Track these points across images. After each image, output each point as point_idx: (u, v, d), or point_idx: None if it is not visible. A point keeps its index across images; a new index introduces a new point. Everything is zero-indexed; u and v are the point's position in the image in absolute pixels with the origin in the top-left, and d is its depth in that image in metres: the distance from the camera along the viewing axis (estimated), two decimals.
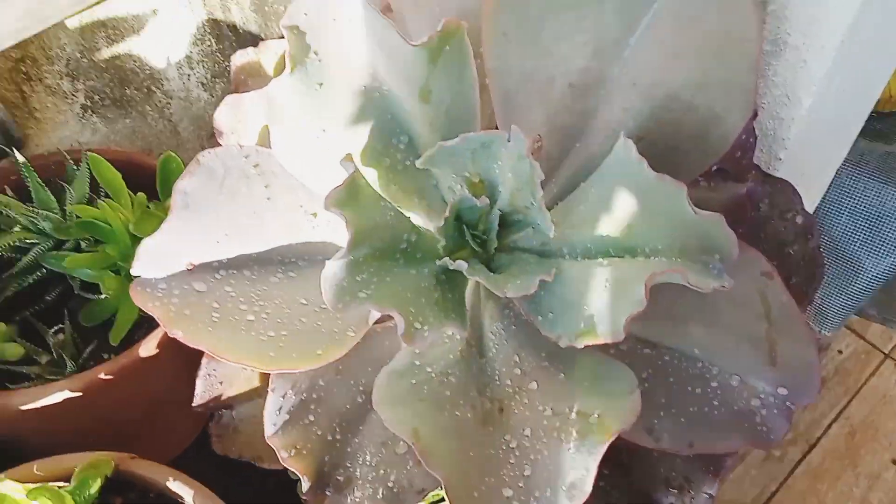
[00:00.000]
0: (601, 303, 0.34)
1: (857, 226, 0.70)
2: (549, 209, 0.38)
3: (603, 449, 0.31)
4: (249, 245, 0.39)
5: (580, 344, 0.34)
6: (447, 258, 0.38)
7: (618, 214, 0.36)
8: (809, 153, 0.45)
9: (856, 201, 0.70)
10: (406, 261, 0.39)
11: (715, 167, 0.44)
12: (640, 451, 0.39)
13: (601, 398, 0.33)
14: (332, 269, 0.33)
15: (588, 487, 0.29)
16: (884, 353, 1.34)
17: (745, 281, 0.34)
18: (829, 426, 1.26)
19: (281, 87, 0.35)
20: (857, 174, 0.70)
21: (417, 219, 0.43)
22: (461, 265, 0.37)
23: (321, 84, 0.37)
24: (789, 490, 1.22)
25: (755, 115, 0.37)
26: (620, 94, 0.40)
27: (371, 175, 0.41)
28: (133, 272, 0.35)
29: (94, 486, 0.34)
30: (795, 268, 0.42)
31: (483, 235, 0.42)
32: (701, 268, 0.32)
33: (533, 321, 0.39)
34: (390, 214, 0.38)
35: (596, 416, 0.32)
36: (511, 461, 0.33)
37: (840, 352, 1.32)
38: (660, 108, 0.38)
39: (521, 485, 0.32)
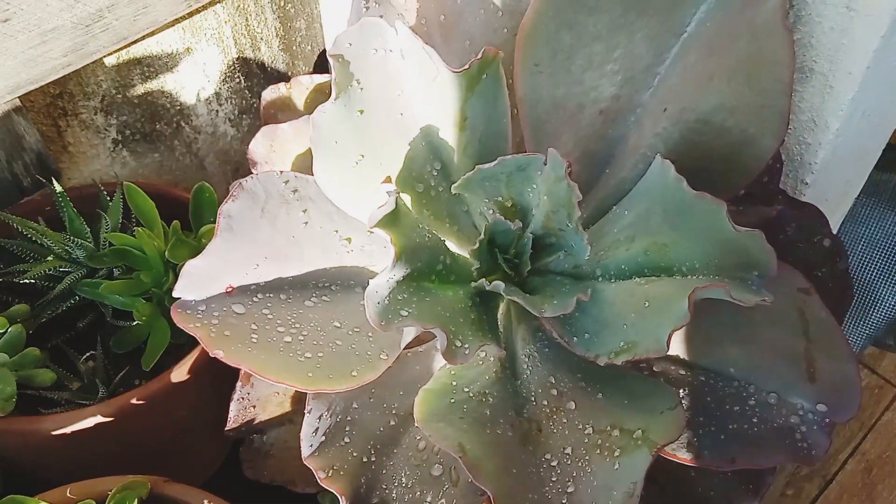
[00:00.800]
0: (641, 320, 0.34)
1: (874, 256, 0.71)
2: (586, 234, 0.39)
3: (648, 463, 0.31)
4: (287, 269, 0.40)
5: (619, 360, 0.34)
6: (483, 280, 0.39)
7: (654, 234, 0.36)
8: (835, 178, 0.46)
9: (872, 231, 0.71)
10: (441, 282, 0.39)
11: (742, 192, 0.45)
12: (676, 469, 0.39)
13: (643, 415, 0.33)
14: (376, 286, 0.33)
15: (635, 501, 0.29)
16: None
17: (782, 297, 0.34)
18: (845, 462, 1.24)
19: (324, 113, 0.36)
20: (873, 204, 0.71)
21: (450, 244, 0.44)
22: (498, 286, 0.37)
23: (362, 111, 0.38)
24: None
25: (781, 142, 0.38)
26: (651, 119, 0.41)
27: (405, 200, 0.42)
28: (175, 294, 0.36)
29: None
30: (824, 290, 0.43)
31: (515, 259, 0.42)
32: (740, 284, 0.33)
33: (567, 342, 0.39)
34: (428, 237, 0.38)
35: (640, 432, 0.32)
36: (553, 479, 0.33)
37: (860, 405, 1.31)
38: (691, 131, 0.39)
39: (564, 501, 0.31)
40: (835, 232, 0.60)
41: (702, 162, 0.40)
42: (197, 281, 0.36)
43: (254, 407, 0.41)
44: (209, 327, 0.36)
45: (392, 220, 0.34)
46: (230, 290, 0.38)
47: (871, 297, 0.72)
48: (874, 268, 0.71)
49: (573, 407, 0.37)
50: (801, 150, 0.44)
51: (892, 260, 0.70)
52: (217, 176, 0.67)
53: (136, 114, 0.58)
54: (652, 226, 0.37)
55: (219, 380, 0.44)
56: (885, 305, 0.71)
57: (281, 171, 0.39)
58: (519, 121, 0.44)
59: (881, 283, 0.71)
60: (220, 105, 0.63)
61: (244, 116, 0.65)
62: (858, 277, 0.72)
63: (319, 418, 0.38)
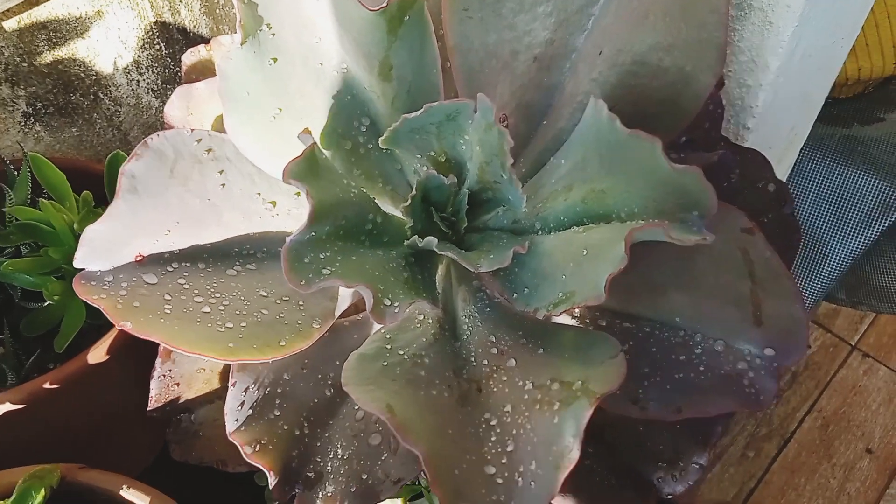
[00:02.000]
0: (579, 269, 0.32)
1: (822, 209, 0.71)
2: (521, 185, 0.37)
3: (588, 413, 0.29)
4: (204, 235, 0.37)
5: (558, 312, 0.32)
6: (415, 237, 0.37)
7: (590, 180, 0.35)
8: (778, 123, 0.45)
9: (818, 185, 0.71)
10: (372, 243, 0.37)
11: (683, 139, 0.43)
12: (625, 426, 0.37)
13: (584, 366, 0.31)
14: (294, 244, 0.31)
15: (575, 454, 0.27)
16: (850, 344, 1.36)
17: (725, 239, 0.33)
18: (803, 420, 1.26)
19: (230, 60, 0.33)
20: (819, 158, 0.71)
21: (383, 204, 0.42)
22: (430, 241, 0.35)
23: (275, 59, 0.35)
24: (768, 485, 1.21)
25: (721, 84, 0.37)
26: (586, 64, 0.39)
27: (332, 159, 0.39)
28: (76, 263, 0.33)
29: (38, 499, 0.31)
30: (771, 236, 0.41)
31: (452, 217, 0.40)
32: (680, 225, 0.31)
33: (507, 299, 0.37)
34: (354, 193, 0.36)
35: (580, 383, 0.30)
36: (493, 438, 0.31)
37: (808, 346, 1.33)
38: (627, 74, 0.38)
39: (504, 461, 0.30)
40: None
41: (640, 106, 0.38)
42: (100, 249, 0.34)
43: (177, 385, 0.39)
44: (116, 298, 0.33)
45: (308, 171, 0.31)
46: (140, 258, 0.35)
47: (821, 251, 0.72)
48: (823, 221, 0.71)
49: (514, 364, 0.35)
50: (741, 94, 0.42)
51: (840, 213, 0.70)
52: None
53: (46, 84, 0.54)
54: (589, 172, 0.35)
55: (145, 360, 0.41)
56: (835, 258, 0.71)
57: (192, 130, 0.36)
58: (452, 73, 0.42)
59: (830, 236, 0.71)
60: (141, 74, 0.59)
61: (168, 87, 0.62)
62: (808, 232, 0.72)
63: (245, 391, 0.35)
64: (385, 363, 0.34)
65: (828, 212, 0.71)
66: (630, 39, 0.38)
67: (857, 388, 1.33)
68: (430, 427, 0.30)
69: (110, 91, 0.58)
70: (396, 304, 0.32)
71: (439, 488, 0.27)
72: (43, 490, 0.31)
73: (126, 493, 0.34)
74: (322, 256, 0.32)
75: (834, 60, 0.49)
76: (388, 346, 0.36)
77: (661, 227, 0.29)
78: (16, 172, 0.47)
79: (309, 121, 0.38)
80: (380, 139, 0.37)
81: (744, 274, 0.33)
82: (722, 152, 0.40)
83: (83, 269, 0.34)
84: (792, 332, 0.33)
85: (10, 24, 0.49)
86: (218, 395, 0.40)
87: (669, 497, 0.35)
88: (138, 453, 0.49)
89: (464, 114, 0.35)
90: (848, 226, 0.70)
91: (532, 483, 0.29)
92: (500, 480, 0.30)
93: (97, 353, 0.40)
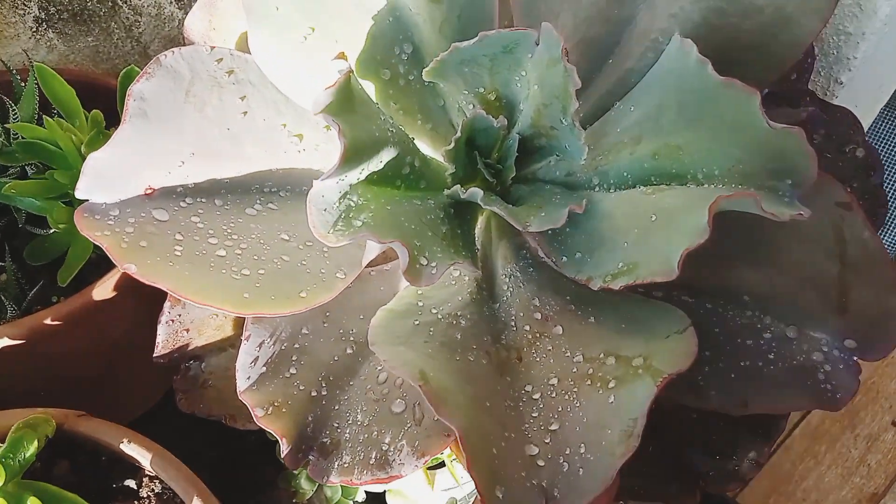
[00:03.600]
0: (646, 236, 0.28)
1: (891, 174, 0.65)
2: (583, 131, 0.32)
3: (653, 395, 0.25)
4: (222, 169, 0.33)
5: (617, 285, 0.28)
6: (457, 187, 0.32)
7: (665, 132, 0.30)
8: (872, 77, 0.39)
9: (892, 147, 0.65)
10: (408, 189, 0.33)
11: (766, 91, 0.38)
12: (674, 409, 0.34)
13: (644, 340, 0.28)
14: (322, 189, 0.27)
15: (635, 442, 0.24)
16: None
17: (816, 212, 0.28)
18: None
19: None
20: (894, 118, 0.64)
21: (421, 144, 0.37)
22: (475, 194, 0.31)
23: None
24: (787, 451, 1.20)
25: (827, 21, 0.31)
26: None
27: (368, 89, 0.35)
28: (78, 194, 0.29)
29: (30, 449, 0.28)
30: None
31: (498, 164, 0.36)
32: (769, 194, 0.27)
33: (556, 263, 0.33)
34: (391, 132, 0.31)
35: (640, 359, 0.26)
36: (535, 414, 0.27)
37: None
38: (713, 11, 0.32)
39: (547, 441, 0.26)
40: None
41: (725, 51, 0.33)
42: (106, 179, 0.30)
43: (187, 331, 0.36)
44: (121, 236, 0.29)
45: (342, 105, 0.27)
46: (150, 191, 0.31)
47: (889, 222, 0.66)
48: (891, 187, 0.65)
49: (560, 332, 0.31)
50: (838, 43, 0.37)
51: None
52: None
53: None
54: (664, 123, 0.30)
55: (155, 297, 0.38)
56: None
57: (212, 47, 0.32)
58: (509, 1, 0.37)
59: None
60: None
61: None
62: None
63: (260, 346, 0.32)
64: (417, 322, 0.30)
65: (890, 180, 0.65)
66: None
67: (889, 358, 1.28)
68: (468, 398, 0.26)
69: None
70: (434, 263, 0.28)
71: (476, 468, 0.24)
72: (36, 441, 0.28)
73: (126, 446, 0.31)
74: (353, 203, 0.28)
75: None
76: (421, 304, 0.32)
77: (754, 198, 0.25)
78: (23, 84, 0.43)
79: (344, 44, 0.33)
80: (424, 70, 0.33)
81: (833, 254, 0.29)
82: (811, 110, 0.35)
83: (87, 199, 0.30)
84: (881, 325, 0.29)
85: None
86: (231, 343, 0.37)
87: (716, 492, 0.32)
88: (144, 394, 0.47)
89: (524, 46, 0.31)
90: None
91: (581, 469, 0.25)
92: (541, 463, 0.26)
93: (104, 289, 0.37)
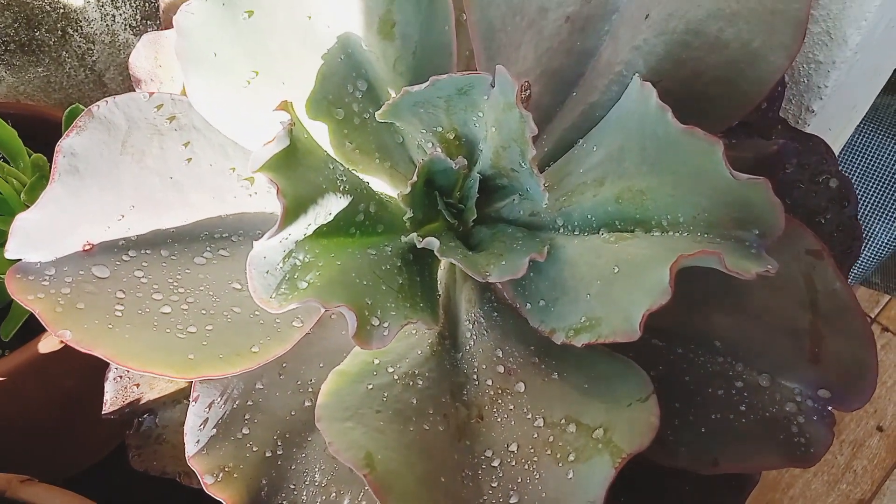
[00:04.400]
0: (608, 289, 0.27)
1: (868, 188, 0.64)
2: (540, 171, 0.31)
3: (611, 477, 0.24)
4: (166, 219, 0.32)
5: (579, 342, 0.27)
6: (414, 234, 0.31)
7: (627, 176, 0.29)
8: (843, 104, 0.38)
9: (867, 160, 0.64)
10: (364, 235, 0.32)
11: (737, 121, 0.37)
12: (644, 462, 0.33)
13: (606, 406, 0.26)
14: (263, 250, 0.25)
15: None
16: (870, 317, 1.31)
17: (785, 261, 0.27)
18: None
19: (192, 14, 0.27)
20: (871, 131, 0.64)
21: (379, 184, 0.36)
22: (432, 243, 0.30)
23: (251, 12, 0.29)
24: None
25: (794, 57, 0.30)
26: (629, 28, 0.32)
27: (320, 131, 0.33)
28: (8, 255, 0.27)
29: None
30: (828, 240, 0.36)
31: (459, 204, 0.35)
32: (735, 245, 0.25)
33: (520, 308, 0.32)
34: (342, 179, 0.30)
35: (601, 431, 0.25)
36: (494, 484, 0.26)
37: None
38: (678, 44, 0.31)
39: None
40: None
41: (691, 85, 0.32)
42: (38, 238, 0.28)
43: (137, 385, 0.34)
44: (56, 298, 0.28)
45: (283, 160, 0.25)
46: (89, 247, 0.29)
47: (863, 233, 0.65)
48: (868, 201, 0.64)
49: (522, 389, 0.30)
50: (808, 71, 0.36)
51: (887, 193, 0.64)
52: (121, 93, 0.57)
53: (5, 18, 0.47)
54: (627, 167, 0.29)
55: None
56: (877, 243, 0.65)
57: (150, 94, 0.30)
58: (468, 29, 0.35)
59: (874, 218, 0.65)
60: (117, 8, 0.52)
61: (150, 23, 0.55)
62: None
63: (210, 406, 0.30)
64: (370, 385, 0.29)
65: (875, 191, 0.64)
66: (684, 2, 0.31)
67: None
68: (419, 477, 0.25)
69: (81, 27, 0.51)
70: (386, 323, 0.27)
71: None
72: None
73: None
74: (298, 262, 0.26)
75: None
76: (377, 361, 0.31)
77: (717, 256, 0.23)
78: None
79: (292, 86, 0.31)
80: (377, 112, 0.31)
81: (804, 303, 0.28)
82: (782, 142, 0.34)
83: (19, 259, 0.28)
84: (855, 376, 0.28)
85: None
86: (185, 395, 0.36)
87: None
88: (100, 443, 0.45)
89: (479, 88, 0.29)
90: (895, 209, 0.63)
91: None
92: None
93: (49, 342, 0.35)
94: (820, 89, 0.35)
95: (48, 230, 0.28)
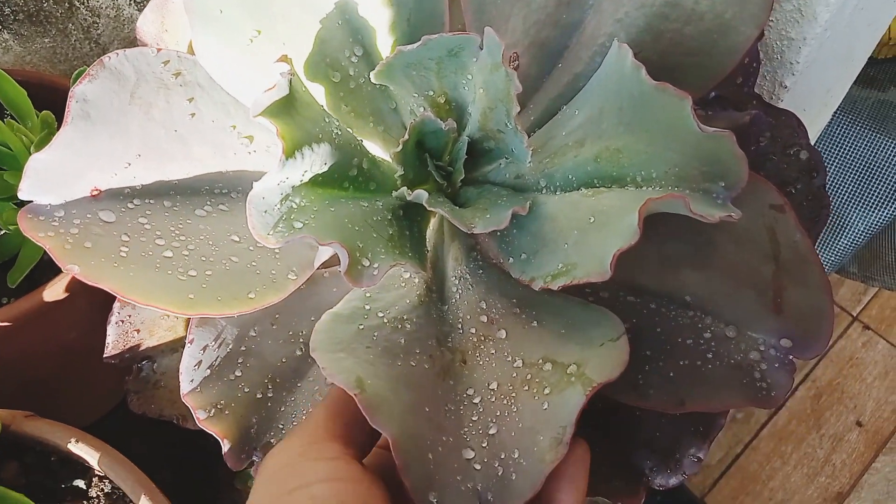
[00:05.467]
0: (584, 237, 0.29)
1: (846, 177, 0.66)
2: (528, 136, 0.33)
3: (582, 403, 0.26)
4: (170, 170, 0.33)
5: (556, 285, 0.29)
6: (404, 189, 0.33)
7: (605, 136, 0.31)
8: (816, 84, 0.40)
9: (845, 151, 0.66)
10: (357, 190, 0.33)
11: (713, 94, 0.39)
12: (620, 408, 0.34)
13: (580, 347, 0.28)
14: (262, 191, 0.27)
15: (563, 449, 0.25)
16: (852, 315, 1.33)
17: (751, 215, 0.29)
18: (796, 388, 1.25)
19: None
20: (849, 122, 0.66)
21: (373, 148, 0.38)
22: (420, 195, 0.32)
23: None
24: (755, 451, 1.21)
25: (761, 35, 0.32)
26: (612, 1, 0.34)
27: (317, 92, 0.35)
28: (21, 195, 0.29)
29: None
30: (798, 208, 0.38)
31: (448, 166, 0.36)
32: (703, 196, 0.27)
33: (503, 263, 0.34)
34: (337, 133, 0.32)
35: (574, 367, 0.27)
36: (474, 418, 0.28)
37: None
38: (657, 16, 0.33)
39: (484, 444, 0.27)
40: None
41: (669, 56, 0.34)
42: (50, 180, 0.30)
43: (137, 331, 0.36)
44: (65, 237, 0.29)
45: (283, 106, 0.27)
46: (97, 192, 0.31)
47: (840, 221, 0.68)
48: (845, 191, 0.67)
49: (504, 336, 0.32)
50: (782, 47, 0.38)
51: (864, 183, 0.66)
52: None
53: None
54: (605, 127, 0.31)
55: (107, 301, 0.38)
56: (853, 231, 0.67)
57: (159, 49, 0.32)
58: (461, 4, 0.37)
59: (851, 207, 0.67)
60: None
61: None
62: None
63: (204, 349, 0.32)
64: (361, 326, 0.31)
65: (852, 180, 0.66)
66: None
67: (853, 359, 1.31)
68: (405, 404, 0.27)
69: (87, 0, 0.53)
70: (376, 264, 0.28)
71: (408, 475, 0.25)
72: None
73: (74, 446, 0.31)
74: (294, 206, 0.28)
75: (885, 14, 0.44)
76: (368, 307, 0.32)
77: (682, 200, 0.25)
78: None
79: (292, 47, 0.33)
80: (371, 73, 0.33)
81: (768, 256, 0.30)
82: (755, 113, 0.36)
83: (31, 201, 0.30)
84: (814, 324, 0.30)
85: None
86: (182, 344, 0.37)
87: (660, 488, 0.33)
88: (100, 398, 0.47)
89: (468, 50, 0.31)
90: (872, 197, 0.66)
91: (513, 475, 0.26)
92: (477, 467, 0.27)
93: (54, 290, 0.37)
94: (792, 65, 0.37)
95: (59, 173, 0.30)
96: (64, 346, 0.41)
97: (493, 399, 0.29)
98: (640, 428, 0.33)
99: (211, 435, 0.36)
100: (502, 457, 0.27)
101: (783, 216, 0.29)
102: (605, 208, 0.29)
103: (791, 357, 0.30)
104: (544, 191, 0.34)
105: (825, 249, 0.69)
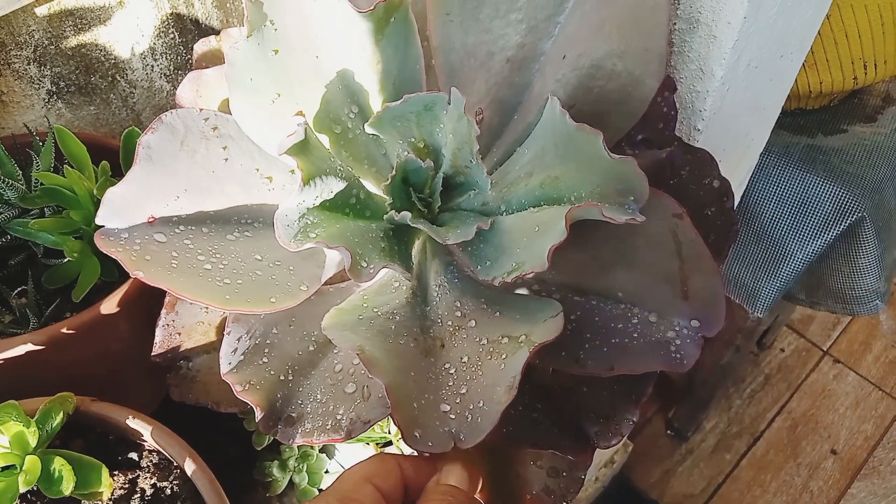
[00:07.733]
0: (531, 242, 0.37)
1: (784, 212, 0.76)
2: (490, 174, 0.42)
3: (526, 357, 0.34)
4: (208, 203, 0.42)
5: (510, 278, 0.37)
6: (393, 212, 0.42)
7: (547, 168, 0.40)
8: (728, 126, 0.50)
9: (782, 189, 0.76)
10: (355, 216, 0.42)
11: (640, 137, 0.48)
12: (571, 388, 0.42)
13: (529, 324, 0.36)
14: (285, 210, 0.36)
15: (513, 392, 0.32)
16: (822, 350, 1.40)
17: (658, 223, 0.38)
18: (773, 420, 1.31)
19: (238, 50, 0.38)
20: (783, 164, 0.76)
21: (368, 184, 0.47)
22: (405, 216, 0.40)
23: (276, 51, 0.41)
24: (735, 481, 1.26)
25: (675, 88, 0.42)
26: (552, 66, 0.44)
27: (323, 140, 0.44)
28: (98, 221, 0.38)
29: (57, 419, 0.36)
30: (713, 227, 0.47)
31: (428, 198, 0.45)
32: (617, 208, 0.36)
33: (472, 271, 0.42)
34: (340, 170, 0.41)
35: (524, 336, 0.35)
36: (450, 383, 0.36)
37: (782, 350, 1.39)
38: (587, 76, 0.43)
39: (458, 401, 0.35)
40: (745, 186, 0.65)
41: (597, 105, 0.43)
42: (118, 209, 0.39)
43: (179, 334, 0.44)
44: (130, 252, 0.38)
45: (300, 148, 0.36)
46: (152, 220, 0.40)
47: (781, 252, 0.77)
48: (784, 224, 0.76)
49: (474, 325, 0.40)
50: (692, 98, 0.48)
51: (800, 217, 0.75)
52: None
53: (70, 66, 0.59)
54: (546, 161, 0.40)
55: (151, 314, 0.46)
56: (793, 259, 0.76)
57: (201, 109, 0.41)
58: (436, 70, 0.47)
59: (790, 238, 0.76)
60: (156, 60, 0.64)
61: (179, 73, 0.67)
62: (770, 234, 0.77)
63: (238, 339, 0.40)
64: (360, 316, 0.39)
65: (789, 215, 0.76)
66: (589, 46, 0.43)
67: (826, 391, 1.38)
68: (396, 367, 0.35)
69: (126, 74, 0.63)
70: (372, 265, 0.37)
71: (398, 414, 0.32)
72: (62, 413, 0.36)
73: (131, 422, 0.39)
74: (309, 222, 0.37)
75: (785, 73, 0.54)
76: (365, 305, 0.41)
77: (596, 207, 0.34)
78: (41, 143, 0.52)
79: (304, 106, 0.43)
80: (366, 125, 0.43)
81: (673, 253, 0.39)
82: (670, 150, 0.45)
83: (103, 226, 0.39)
84: (713, 306, 0.38)
85: (42, 11, 0.55)
86: (214, 347, 0.45)
87: (605, 447, 0.40)
88: (143, 398, 0.54)
89: (439, 104, 0.41)
90: (806, 229, 0.75)
91: (479, 418, 0.34)
92: (452, 416, 0.35)
93: (109, 305, 0.45)
94: (701, 112, 0.47)
95: (126, 203, 0.39)
96: (114, 350, 0.49)
97: (465, 369, 0.37)
98: (587, 401, 0.41)
99: (237, 427, 0.44)
100: (471, 407, 0.35)
101: (682, 221, 0.38)
102: (546, 220, 0.38)
103: (700, 334, 0.39)
104: (504, 213, 0.43)
105: (770, 277, 0.78)
